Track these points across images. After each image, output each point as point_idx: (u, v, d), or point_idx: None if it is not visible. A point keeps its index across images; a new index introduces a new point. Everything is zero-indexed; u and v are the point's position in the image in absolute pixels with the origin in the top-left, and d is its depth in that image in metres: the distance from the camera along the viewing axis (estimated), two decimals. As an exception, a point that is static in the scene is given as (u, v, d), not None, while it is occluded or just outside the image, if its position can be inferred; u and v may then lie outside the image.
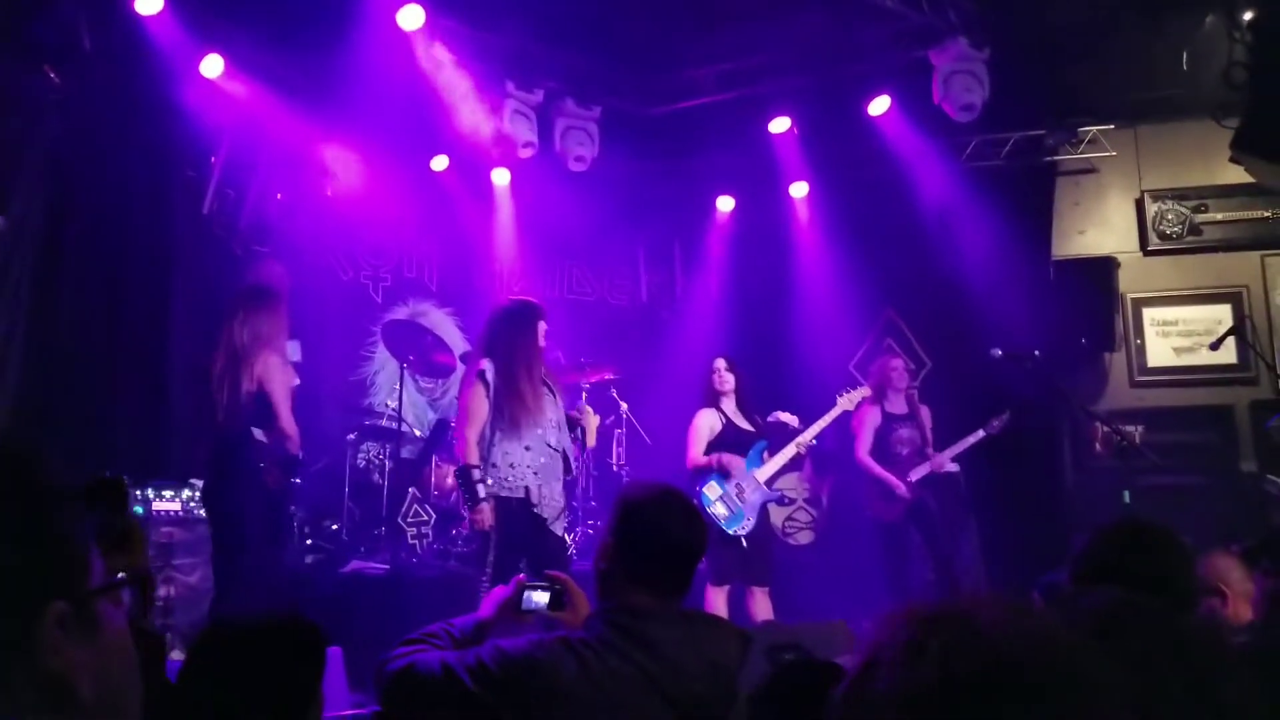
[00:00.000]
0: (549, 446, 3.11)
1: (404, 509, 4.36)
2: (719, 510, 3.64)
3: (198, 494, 3.45)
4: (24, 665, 0.46)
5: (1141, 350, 5.00)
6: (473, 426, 3.06)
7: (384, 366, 5.16)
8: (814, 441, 3.87)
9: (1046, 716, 0.41)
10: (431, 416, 5.20)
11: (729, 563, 3.61)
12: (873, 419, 4.23)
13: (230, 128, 4.21)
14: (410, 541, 4.32)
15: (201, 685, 1.00)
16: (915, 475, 4.12)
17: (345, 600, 3.68)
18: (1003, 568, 4.31)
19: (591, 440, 4.67)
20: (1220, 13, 3.82)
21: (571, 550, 4.03)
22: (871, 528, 4.28)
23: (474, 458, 3.05)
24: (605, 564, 1.37)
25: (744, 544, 3.64)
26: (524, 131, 4.49)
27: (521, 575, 1.56)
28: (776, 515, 4.95)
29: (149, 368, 3.92)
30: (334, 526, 4.32)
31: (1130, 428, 4.06)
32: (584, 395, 3.60)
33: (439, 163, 4.99)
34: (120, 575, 0.53)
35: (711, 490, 3.69)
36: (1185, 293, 4.98)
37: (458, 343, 5.21)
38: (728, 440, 3.76)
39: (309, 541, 4.25)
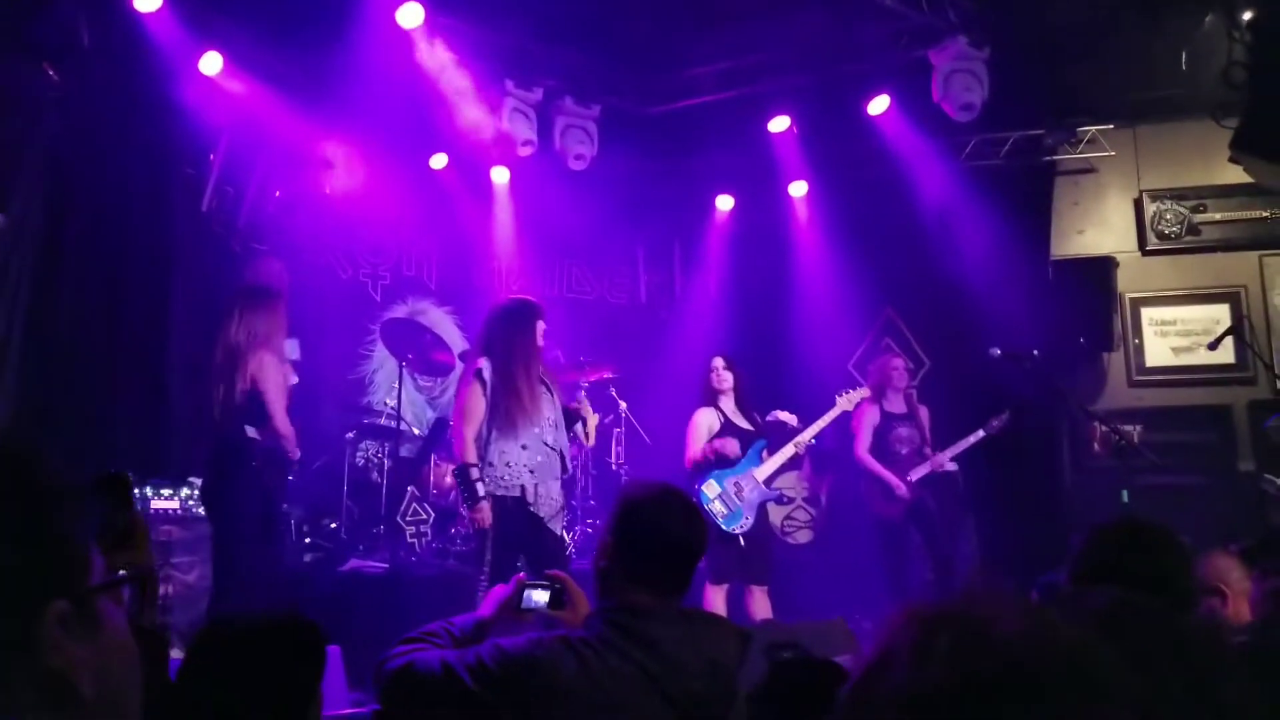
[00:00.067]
0: (546, 445, 3.11)
1: (403, 507, 4.36)
2: (717, 508, 3.64)
3: (196, 492, 3.46)
4: (25, 664, 0.46)
5: (1140, 350, 5.00)
6: (470, 425, 3.07)
7: (383, 365, 5.16)
8: (813, 441, 3.88)
9: (1055, 716, 0.41)
10: (430, 415, 5.20)
11: (727, 561, 3.61)
12: (871, 417, 4.23)
13: (229, 125, 4.21)
14: (409, 540, 4.31)
15: (201, 684, 1.00)
16: (916, 475, 4.12)
17: (344, 599, 3.67)
18: (1001, 567, 4.32)
19: (591, 439, 4.67)
20: (1220, 12, 3.82)
21: (570, 549, 4.03)
22: (870, 527, 4.28)
23: (472, 456, 3.05)
24: (605, 563, 1.37)
25: (742, 542, 3.64)
26: (523, 130, 4.48)
27: (521, 574, 1.56)
28: (775, 514, 4.95)
29: (148, 365, 3.91)
30: (333, 525, 4.32)
31: (1128, 427, 4.07)
32: (583, 393, 3.59)
33: (438, 161, 4.99)
34: (121, 573, 0.53)
35: (710, 488, 3.70)
36: (1184, 292, 4.98)
37: (457, 341, 5.21)
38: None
39: (308, 540, 4.25)
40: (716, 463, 3.72)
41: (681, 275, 6.12)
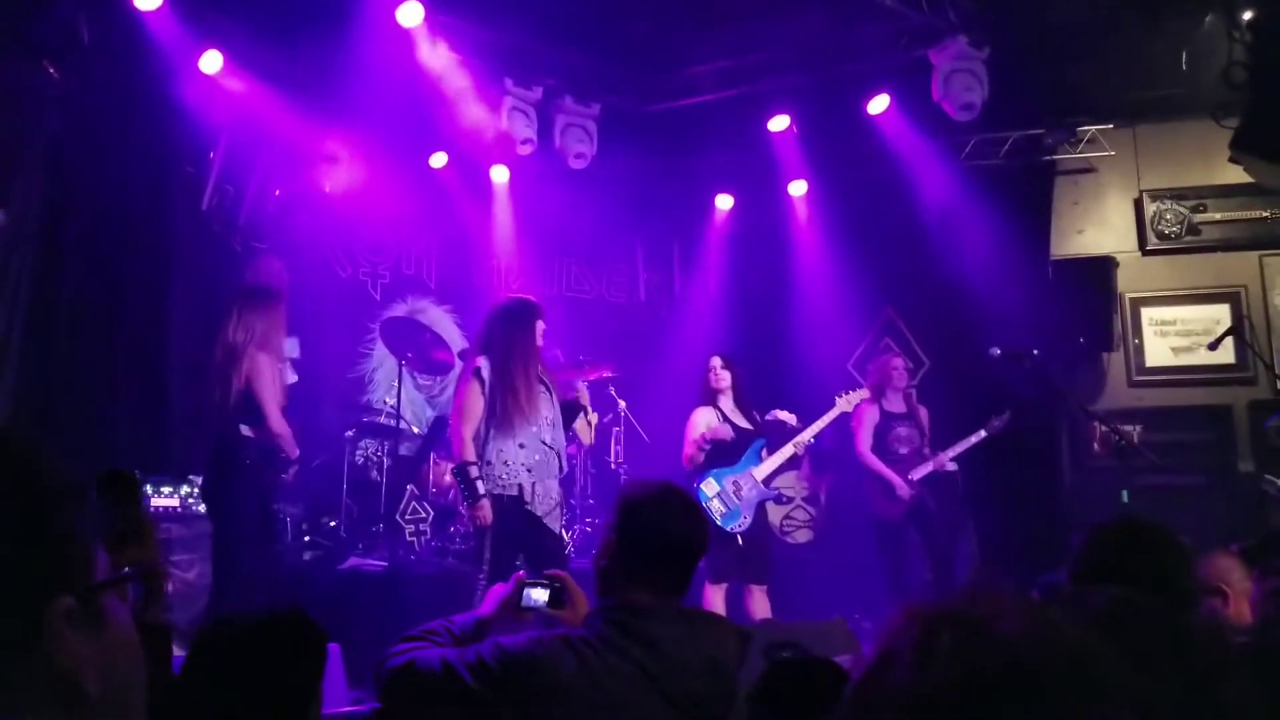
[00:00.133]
0: (544, 444, 3.12)
1: (402, 506, 4.36)
2: (716, 507, 3.64)
3: (196, 490, 3.46)
4: (30, 661, 0.46)
5: (1140, 350, 5.00)
6: (468, 424, 3.07)
7: (382, 363, 5.16)
8: (812, 441, 3.88)
9: (1056, 716, 0.41)
10: (430, 414, 5.20)
11: (726, 560, 3.61)
12: (871, 416, 4.23)
13: (229, 124, 4.20)
14: (408, 539, 4.31)
15: (203, 681, 1.00)
16: (917, 474, 4.12)
17: (343, 597, 3.68)
18: (1001, 567, 4.32)
19: (590, 437, 4.67)
20: (1220, 12, 3.82)
21: (569, 548, 4.03)
22: (870, 526, 4.28)
23: (470, 455, 3.05)
24: (606, 561, 1.37)
25: (740, 541, 3.64)
26: (523, 129, 4.48)
27: (521, 573, 1.56)
28: (774, 514, 4.95)
29: (148, 363, 3.92)
30: (332, 523, 4.32)
31: (1128, 427, 4.07)
32: (582, 383, 3.57)
33: (438, 160, 4.98)
34: (126, 570, 0.53)
35: (709, 487, 3.70)
36: (1184, 292, 4.98)
37: (456, 340, 5.20)
38: (725, 439, 3.76)
39: (307, 538, 4.25)
40: (713, 456, 3.71)
41: (681, 274, 6.11)
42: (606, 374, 4.77)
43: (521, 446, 3.07)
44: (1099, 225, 5.19)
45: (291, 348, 3.77)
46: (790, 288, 5.45)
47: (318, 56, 4.03)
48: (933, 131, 4.77)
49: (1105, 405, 4.84)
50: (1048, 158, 5.12)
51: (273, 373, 3.06)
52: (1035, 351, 3.91)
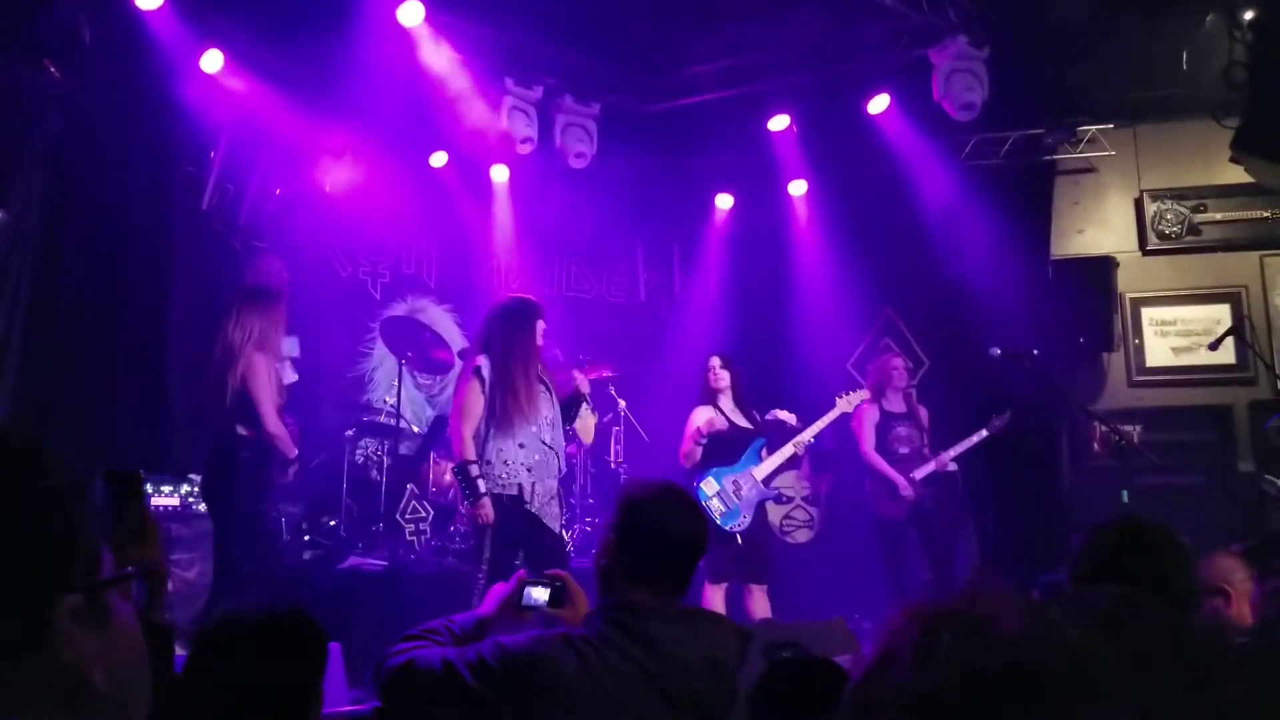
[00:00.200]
0: (544, 444, 3.12)
1: (402, 505, 4.36)
2: (715, 506, 3.64)
3: (196, 489, 3.46)
4: (37, 659, 0.46)
5: (1140, 350, 5.00)
6: (468, 423, 3.07)
7: (382, 363, 5.16)
8: (812, 441, 3.88)
9: (1055, 716, 0.41)
10: (430, 413, 5.20)
11: (726, 560, 3.61)
12: (872, 416, 4.23)
13: (230, 123, 4.20)
14: (408, 538, 4.32)
15: (205, 680, 1.01)
16: (920, 474, 4.12)
17: (343, 596, 3.68)
18: (1001, 567, 4.32)
19: (590, 437, 4.67)
20: (1220, 12, 3.82)
21: (569, 547, 4.03)
22: (869, 526, 4.28)
23: (471, 453, 3.05)
24: (606, 561, 1.37)
25: (740, 541, 3.64)
26: (523, 128, 4.48)
27: (522, 571, 1.56)
28: (774, 514, 4.95)
29: (148, 363, 3.92)
30: (332, 523, 4.32)
31: (1129, 427, 4.07)
32: (578, 373, 3.52)
33: (438, 159, 4.98)
34: (129, 569, 0.53)
35: (709, 486, 3.70)
36: (1184, 293, 4.98)
37: (456, 339, 5.21)
38: (725, 438, 3.76)
39: (307, 538, 4.25)
40: (713, 455, 3.71)
41: (681, 274, 6.11)
42: (606, 374, 4.77)
43: (521, 446, 3.07)
44: (1099, 225, 5.19)
45: (292, 347, 3.77)
46: (790, 287, 5.45)
47: (318, 56, 4.03)
48: (933, 131, 4.77)
49: (1105, 405, 4.84)
50: (1048, 157, 5.12)
51: (269, 373, 3.06)
52: (1035, 351, 3.91)
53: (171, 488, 3.57)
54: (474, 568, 3.07)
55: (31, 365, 3.49)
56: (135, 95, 3.77)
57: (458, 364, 4.80)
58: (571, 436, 4.46)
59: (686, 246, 6.00)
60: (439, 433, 4.55)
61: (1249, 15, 3.59)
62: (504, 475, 3.06)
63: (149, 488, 3.48)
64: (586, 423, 4.63)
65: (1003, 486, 4.57)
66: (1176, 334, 4.97)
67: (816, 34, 4.42)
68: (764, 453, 3.81)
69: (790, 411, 3.92)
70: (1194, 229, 4.99)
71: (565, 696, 1.21)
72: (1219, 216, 4.97)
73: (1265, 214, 4.89)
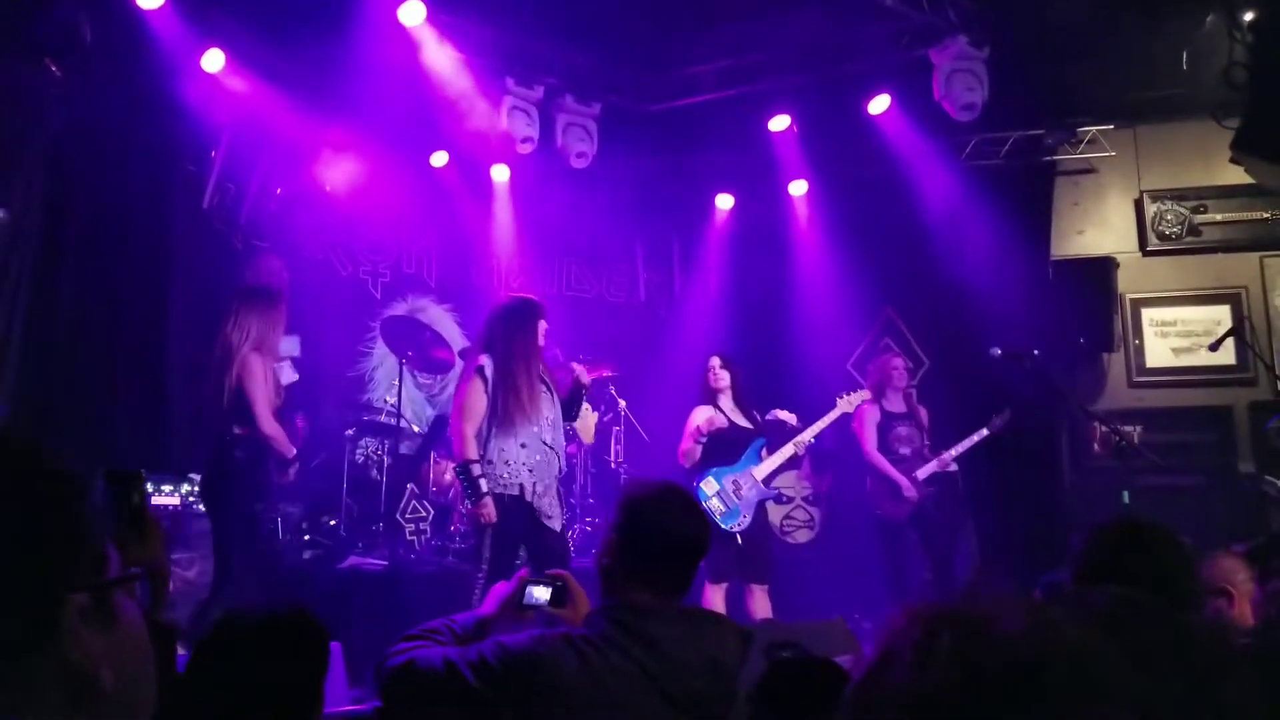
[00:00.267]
0: (545, 444, 3.12)
1: (402, 505, 4.36)
2: (715, 506, 3.64)
3: (196, 489, 3.46)
4: (47, 657, 0.46)
5: (1140, 351, 5.00)
6: (470, 422, 3.07)
7: (383, 362, 5.16)
8: (812, 441, 3.88)
9: (1056, 716, 0.41)
10: (430, 412, 5.20)
11: (725, 560, 3.61)
12: (873, 416, 4.23)
13: (231, 123, 4.21)
14: (408, 537, 4.32)
15: (208, 679, 1.01)
16: (921, 474, 4.12)
17: (343, 596, 3.68)
18: (1001, 568, 4.32)
19: (590, 436, 4.67)
20: (1221, 12, 3.82)
21: (570, 547, 4.03)
22: (870, 527, 4.28)
23: (473, 452, 3.05)
24: (607, 560, 1.37)
25: (740, 541, 3.64)
26: (523, 128, 4.48)
27: (524, 571, 1.56)
28: (774, 514, 4.95)
29: (148, 362, 3.92)
30: (332, 522, 4.32)
31: (1129, 428, 4.07)
32: (576, 365, 3.50)
33: (438, 159, 4.99)
34: (134, 569, 0.53)
35: (708, 486, 3.69)
36: (1184, 293, 4.98)
37: (456, 339, 5.21)
38: (725, 438, 3.76)
39: (307, 537, 4.25)
40: (713, 455, 3.70)
41: (681, 274, 6.12)
42: (606, 373, 4.77)
43: (523, 446, 3.07)
44: (1099, 226, 5.19)
45: (293, 346, 3.77)
46: (790, 287, 5.45)
47: (319, 55, 4.03)
48: (933, 131, 4.77)
49: (1105, 406, 4.84)
50: (1048, 158, 5.12)
51: (265, 373, 3.06)
52: (1036, 352, 3.91)
53: (172, 487, 3.57)
54: (474, 567, 3.07)
55: (32, 365, 3.49)
56: (136, 94, 3.77)
57: (458, 363, 4.80)
58: (572, 436, 4.46)
59: (687, 246, 6.00)
60: (439, 432, 4.55)
61: (1249, 16, 3.59)
62: (505, 475, 3.06)
63: (149, 487, 3.48)
64: (587, 422, 4.63)
65: (1003, 487, 4.57)
66: (1177, 335, 4.97)
67: (817, 34, 4.42)
68: (764, 452, 3.81)
69: (790, 411, 3.92)
70: (1194, 230, 4.99)
71: (566, 696, 1.22)
72: (1219, 217, 4.97)
73: (1265, 215, 4.89)
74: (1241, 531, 3.40)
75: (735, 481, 3.71)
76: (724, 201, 5.65)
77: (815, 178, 5.29)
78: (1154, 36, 4.20)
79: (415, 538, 4.34)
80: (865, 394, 4.12)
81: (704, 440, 3.68)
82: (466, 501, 3.16)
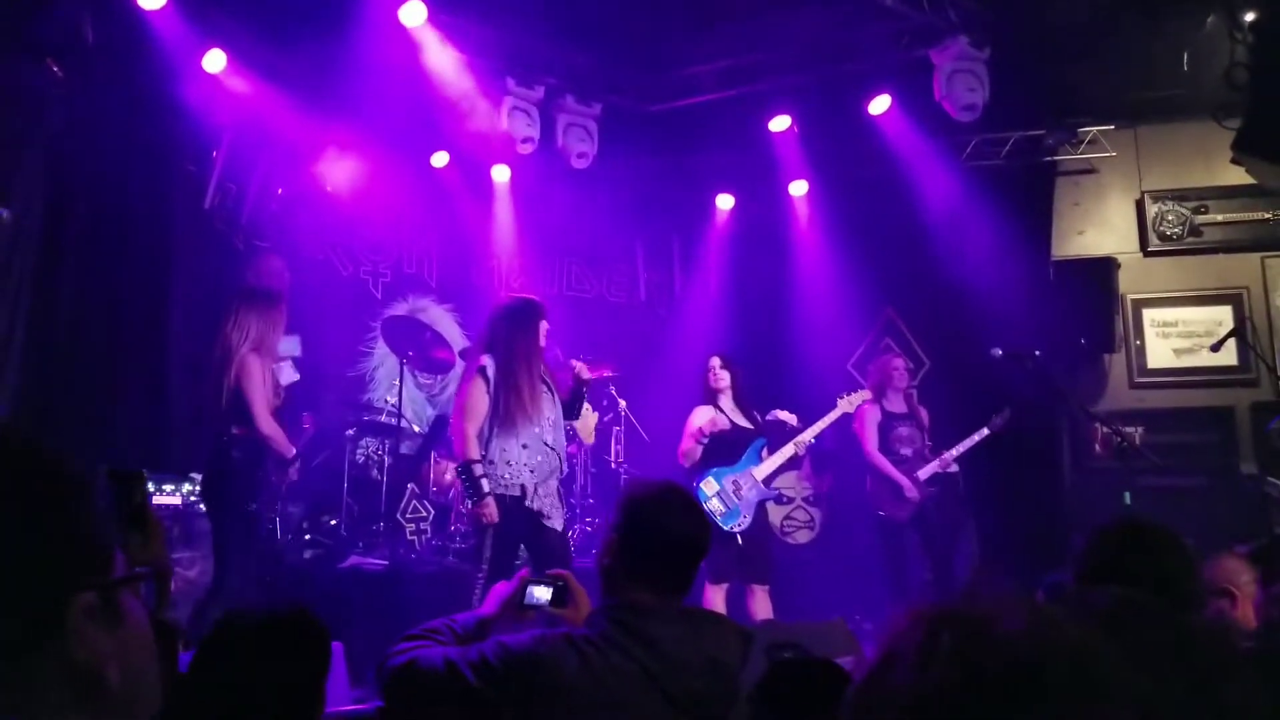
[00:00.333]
0: (546, 445, 3.12)
1: (403, 505, 4.36)
2: (715, 506, 3.64)
3: (197, 488, 3.47)
4: (55, 656, 0.46)
5: (1141, 351, 5.00)
6: (472, 422, 3.07)
7: (383, 362, 5.16)
8: (812, 441, 3.87)
9: (1057, 716, 0.41)
10: (430, 412, 5.20)
11: (726, 560, 3.61)
12: (874, 416, 4.23)
13: (232, 123, 4.21)
14: (409, 537, 4.32)
15: (211, 679, 1.01)
16: (923, 474, 4.12)
17: (343, 596, 3.68)
18: (1002, 568, 4.32)
19: (590, 436, 4.66)
20: (1221, 13, 3.81)
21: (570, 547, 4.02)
22: (870, 527, 4.28)
23: (475, 453, 3.05)
24: (608, 560, 1.37)
25: (740, 541, 3.64)
26: (524, 128, 4.49)
27: (525, 570, 1.56)
28: (775, 514, 4.95)
29: (149, 362, 3.92)
30: (333, 522, 4.32)
31: (1130, 429, 4.06)
32: (576, 362, 3.48)
33: (439, 159, 4.99)
34: (139, 568, 0.53)
35: (708, 486, 3.69)
36: (1185, 294, 4.98)
37: (457, 339, 5.21)
38: (725, 438, 3.76)
39: (308, 537, 4.25)
40: (713, 455, 3.70)
41: (681, 274, 6.12)
42: (607, 373, 4.77)
43: (525, 447, 3.07)
44: (1100, 226, 5.19)
45: (294, 346, 3.77)
46: (791, 288, 5.45)
47: (320, 56, 4.04)
48: (933, 132, 4.77)
49: (1107, 406, 4.84)
50: (1049, 158, 5.12)
51: (262, 374, 3.06)
52: (1037, 352, 3.91)
53: (173, 487, 3.57)
54: (474, 567, 3.07)
55: (33, 364, 3.49)
56: (137, 95, 3.77)
57: (458, 363, 4.80)
58: (572, 436, 4.45)
59: (687, 246, 6.00)
60: (440, 432, 4.55)
61: (1250, 16, 3.59)
62: (506, 475, 3.06)
63: (150, 486, 3.48)
64: (587, 422, 4.63)
65: (1004, 488, 4.56)
66: (1178, 335, 4.96)
67: (817, 34, 4.42)
68: (764, 453, 3.80)
69: (791, 412, 3.92)
70: (1195, 230, 4.98)
71: (567, 696, 1.22)
72: (1220, 218, 4.97)
73: (1266, 215, 4.89)
74: (1243, 533, 3.40)
75: (735, 482, 3.71)
76: (724, 202, 5.65)
77: (816, 178, 5.29)
78: (1155, 37, 4.19)
79: (416, 537, 4.34)
80: (866, 394, 4.11)
81: (705, 441, 3.67)
82: (467, 502, 3.16)
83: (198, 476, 3.45)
